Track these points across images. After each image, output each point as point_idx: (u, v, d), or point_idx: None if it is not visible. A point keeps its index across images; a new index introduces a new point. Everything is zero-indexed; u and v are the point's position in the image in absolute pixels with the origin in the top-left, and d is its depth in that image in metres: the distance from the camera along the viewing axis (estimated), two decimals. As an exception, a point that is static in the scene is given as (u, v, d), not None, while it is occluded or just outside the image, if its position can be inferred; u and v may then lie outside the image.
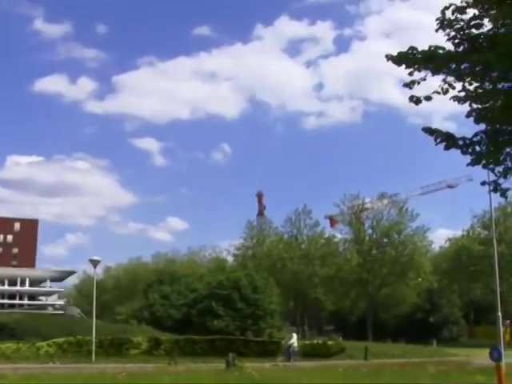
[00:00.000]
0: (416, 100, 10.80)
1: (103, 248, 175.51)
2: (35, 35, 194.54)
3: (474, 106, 10.81)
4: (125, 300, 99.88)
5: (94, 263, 41.49)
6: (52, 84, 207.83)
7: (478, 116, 10.82)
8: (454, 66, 10.55)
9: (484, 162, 10.90)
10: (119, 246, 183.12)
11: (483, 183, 11.17)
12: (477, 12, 10.54)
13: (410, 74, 10.73)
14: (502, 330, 34.50)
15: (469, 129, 11.17)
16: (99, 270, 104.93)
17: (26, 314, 68.06)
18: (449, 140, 10.95)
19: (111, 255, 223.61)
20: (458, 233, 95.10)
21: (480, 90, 10.68)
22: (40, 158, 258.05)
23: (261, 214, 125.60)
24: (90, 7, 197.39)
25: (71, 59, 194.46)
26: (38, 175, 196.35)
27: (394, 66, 10.76)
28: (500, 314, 31.32)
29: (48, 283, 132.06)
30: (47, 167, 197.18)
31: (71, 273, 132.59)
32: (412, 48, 10.64)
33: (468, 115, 10.83)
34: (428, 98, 10.75)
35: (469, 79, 10.67)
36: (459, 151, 10.95)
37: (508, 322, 68.61)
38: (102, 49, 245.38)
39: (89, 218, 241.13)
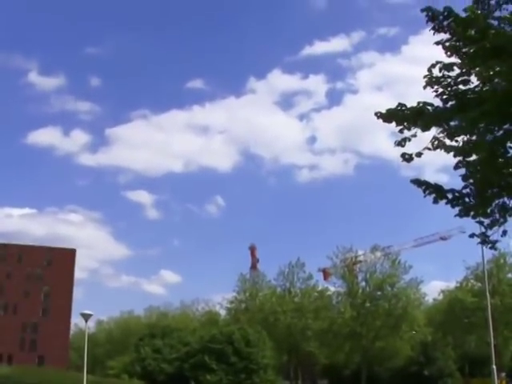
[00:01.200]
0: (408, 158, 11.05)
1: (95, 301, 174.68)
2: (29, 88, 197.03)
3: (462, 158, 11.06)
4: (116, 354, 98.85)
5: (86, 317, 41.29)
6: (45, 136, 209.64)
7: (466, 168, 11.07)
8: (442, 122, 10.84)
9: (472, 213, 11.10)
10: (111, 299, 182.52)
11: (472, 235, 11.33)
12: (463, 69, 10.87)
13: (401, 131, 11.01)
14: (497, 382, 34.36)
15: (461, 181, 11.38)
16: (91, 323, 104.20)
17: (16, 367, 67.30)
18: (437, 192, 11.17)
19: (103, 308, 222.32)
20: (452, 285, 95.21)
21: (467, 145, 10.95)
22: (32, 210, 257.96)
23: (254, 267, 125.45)
24: (84, 60, 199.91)
25: (65, 112, 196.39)
26: (31, 227, 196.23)
27: (386, 119, 11.05)
28: (495, 366, 31.27)
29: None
30: (39, 219, 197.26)
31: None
32: (401, 105, 10.94)
33: (456, 167, 11.08)
34: (419, 155, 11.01)
35: (457, 134, 10.95)
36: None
37: (503, 374, 68.16)
38: (96, 101, 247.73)
39: (81, 270, 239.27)
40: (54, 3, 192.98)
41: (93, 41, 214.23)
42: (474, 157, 11.03)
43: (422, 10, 10.68)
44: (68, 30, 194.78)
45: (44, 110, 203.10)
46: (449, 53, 10.98)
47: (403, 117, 10.88)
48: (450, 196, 11.07)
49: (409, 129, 10.92)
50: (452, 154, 11.13)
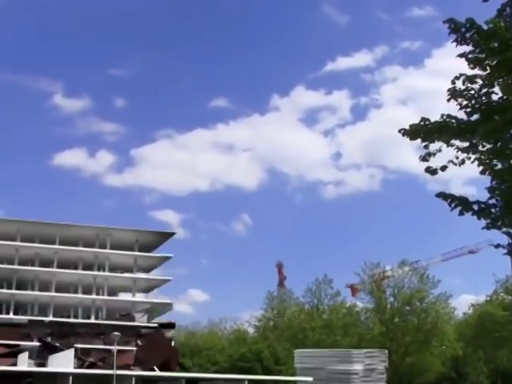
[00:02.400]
0: (432, 171, 11.02)
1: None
2: (55, 110, 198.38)
3: (487, 167, 11.02)
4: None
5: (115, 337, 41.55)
6: (71, 158, 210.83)
7: (492, 178, 11.01)
8: (466, 135, 10.83)
9: (499, 224, 11.02)
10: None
11: (497, 246, 11.25)
12: (486, 81, 10.88)
13: (426, 147, 11.00)
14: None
15: (488, 193, 11.26)
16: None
17: None
18: (463, 204, 11.10)
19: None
20: (482, 298, 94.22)
21: (491, 154, 10.92)
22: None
23: (281, 284, 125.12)
24: (108, 81, 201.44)
25: (90, 133, 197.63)
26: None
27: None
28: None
29: None
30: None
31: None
32: (424, 119, 10.94)
33: (482, 173, 11.01)
34: (443, 168, 10.98)
35: (481, 144, 10.93)
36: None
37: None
38: (120, 122, 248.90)
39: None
40: (77, 26, 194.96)
41: (116, 62, 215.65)
42: (499, 166, 10.99)
43: (445, 22, 10.72)
44: (91, 52, 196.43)
45: (69, 132, 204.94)
46: (472, 65, 11.00)
47: (427, 131, 10.88)
48: (476, 208, 11.01)
49: (433, 142, 10.91)
50: (476, 163, 11.10)
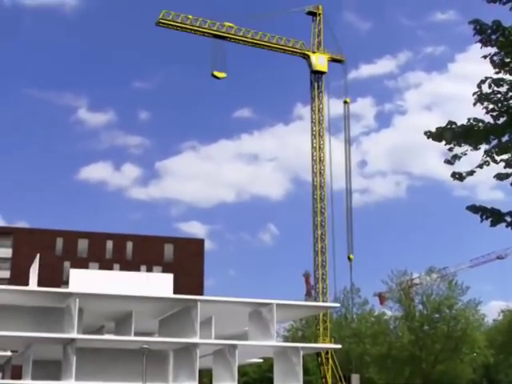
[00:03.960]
0: (459, 177, 10.88)
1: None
2: (79, 124, 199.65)
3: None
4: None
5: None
6: (97, 171, 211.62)
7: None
8: (493, 139, 10.69)
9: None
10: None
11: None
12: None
13: (450, 149, 10.87)
14: None
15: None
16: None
17: None
18: (495, 216, 10.91)
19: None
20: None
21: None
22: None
23: (309, 294, 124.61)
24: (132, 95, 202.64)
25: (115, 146, 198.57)
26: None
27: (437, 139, 10.92)
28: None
29: None
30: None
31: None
32: (450, 123, 10.81)
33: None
34: (471, 173, 10.84)
35: (509, 148, 10.78)
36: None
37: None
38: (145, 135, 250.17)
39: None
40: (101, 40, 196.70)
41: (140, 75, 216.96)
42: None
43: (470, 23, 10.61)
44: (115, 66, 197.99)
45: (94, 146, 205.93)
46: (497, 68, 10.87)
47: (453, 135, 10.76)
48: (509, 219, 10.79)
49: (459, 145, 10.77)
50: (503, 165, 10.93)
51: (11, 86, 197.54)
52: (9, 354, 53.29)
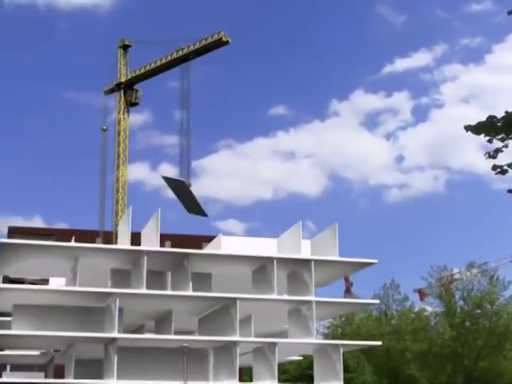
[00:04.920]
0: (501, 170, 10.70)
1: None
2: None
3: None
4: None
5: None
6: (134, 172, 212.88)
7: None
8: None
9: None
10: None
11: None
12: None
13: (490, 141, 10.71)
14: None
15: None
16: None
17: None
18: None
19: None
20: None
21: None
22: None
23: (348, 291, 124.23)
24: (168, 94, 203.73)
25: (151, 147, 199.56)
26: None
27: (475, 131, 10.74)
28: None
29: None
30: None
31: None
32: (491, 116, 10.63)
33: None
34: (512, 166, 10.67)
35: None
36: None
37: None
38: (181, 134, 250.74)
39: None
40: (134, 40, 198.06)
41: (175, 74, 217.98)
42: None
43: (510, 13, 10.44)
44: (147, 58, 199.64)
45: (131, 146, 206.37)
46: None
47: (494, 128, 10.58)
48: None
49: (502, 140, 10.59)
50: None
51: (48, 89, 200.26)
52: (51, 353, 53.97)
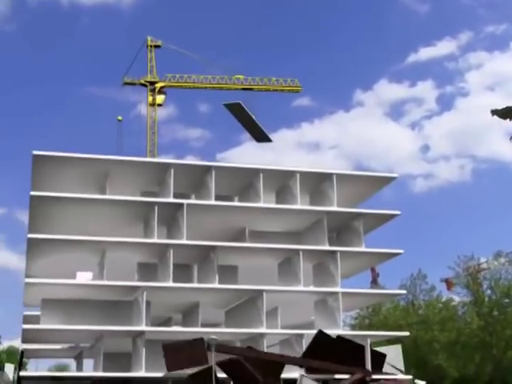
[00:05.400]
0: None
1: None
2: (140, 119, 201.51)
3: None
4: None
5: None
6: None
7: None
8: None
9: None
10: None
11: None
12: None
13: (516, 124, 10.64)
14: None
15: None
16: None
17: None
18: None
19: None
20: None
21: None
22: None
23: (374, 281, 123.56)
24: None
25: (176, 140, 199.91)
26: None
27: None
28: None
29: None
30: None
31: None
32: (517, 103, 10.55)
33: None
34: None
35: None
36: None
37: None
38: (205, 127, 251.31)
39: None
40: (157, 34, 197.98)
41: (197, 68, 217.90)
42: None
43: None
44: (172, 58, 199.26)
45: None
46: None
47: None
48: None
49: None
50: None
51: (72, 84, 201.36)
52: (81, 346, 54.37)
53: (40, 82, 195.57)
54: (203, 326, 47.07)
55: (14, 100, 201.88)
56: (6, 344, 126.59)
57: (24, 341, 52.01)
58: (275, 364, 38.18)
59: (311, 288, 49.92)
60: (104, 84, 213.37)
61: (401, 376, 48.40)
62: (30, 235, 45.87)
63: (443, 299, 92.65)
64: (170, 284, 45.47)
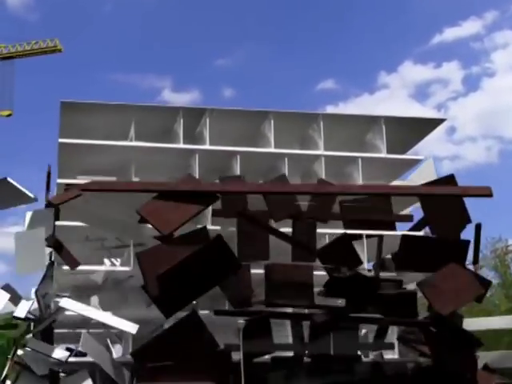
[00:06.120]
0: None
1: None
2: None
3: None
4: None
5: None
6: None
7: None
8: None
9: None
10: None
11: None
12: None
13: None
14: None
15: None
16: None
17: None
18: None
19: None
20: None
21: None
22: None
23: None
24: (215, 73, 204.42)
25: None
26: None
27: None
28: None
29: None
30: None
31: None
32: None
33: None
34: None
35: None
36: None
37: None
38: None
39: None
40: (180, 21, 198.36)
41: (222, 53, 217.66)
42: None
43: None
44: (197, 46, 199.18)
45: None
46: None
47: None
48: None
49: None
50: None
51: (96, 72, 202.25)
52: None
53: (64, 70, 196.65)
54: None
55: (40, 89, 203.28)
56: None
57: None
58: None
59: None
60: (128, 71, 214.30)
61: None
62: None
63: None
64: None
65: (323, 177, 44.88)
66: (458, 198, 26.76)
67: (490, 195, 27.87)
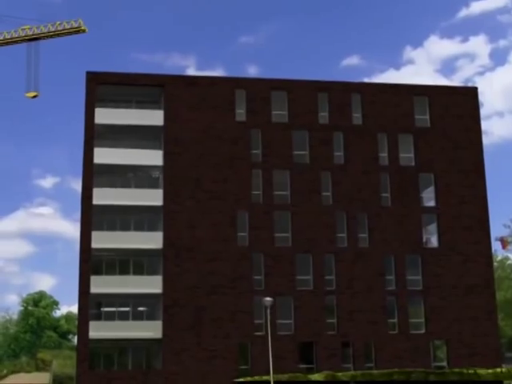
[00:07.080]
0: None
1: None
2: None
3: None
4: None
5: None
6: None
7: None
8: None
9: None
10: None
11: None
12: None
13: None
14: None
15: None
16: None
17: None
18: None
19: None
20: None
21: None
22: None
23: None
24: (240, 50, 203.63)
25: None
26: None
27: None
28: None
29: None
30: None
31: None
32: None
33: None
34: None
35: None
36: None
37: None
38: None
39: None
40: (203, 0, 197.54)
41: (246, 29, 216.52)
42: None
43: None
44: (221, 23, 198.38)
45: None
46: None
47: None
48: None
49: None
50: None
51: (120, 51, 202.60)
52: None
53: (89, 50, 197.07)
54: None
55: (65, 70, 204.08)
56: (64, 310, 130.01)
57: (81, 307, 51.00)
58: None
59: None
60: (152, 50, 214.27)
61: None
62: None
63: (499, 258, 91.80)
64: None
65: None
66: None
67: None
